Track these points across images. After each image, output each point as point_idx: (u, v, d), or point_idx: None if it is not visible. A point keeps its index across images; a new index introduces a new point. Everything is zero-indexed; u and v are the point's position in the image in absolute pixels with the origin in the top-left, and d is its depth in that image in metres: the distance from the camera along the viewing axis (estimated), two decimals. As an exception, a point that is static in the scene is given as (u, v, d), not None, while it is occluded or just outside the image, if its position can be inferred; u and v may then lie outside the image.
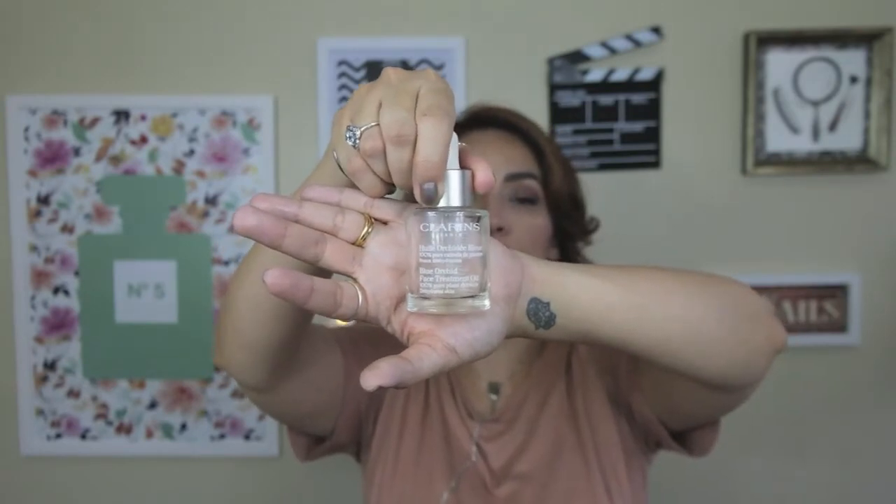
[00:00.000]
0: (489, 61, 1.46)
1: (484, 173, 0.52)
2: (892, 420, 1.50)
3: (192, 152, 1.45)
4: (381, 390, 0.48)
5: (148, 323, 1.47)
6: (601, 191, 1.34)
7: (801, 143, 1.45)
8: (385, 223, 0.55)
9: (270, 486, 1.50)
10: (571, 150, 1.46)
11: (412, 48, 1.44)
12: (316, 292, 0.49)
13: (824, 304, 1.46)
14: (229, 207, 1.46)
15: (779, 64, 1.44)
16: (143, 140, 1.45)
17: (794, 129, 1.45)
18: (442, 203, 0.50)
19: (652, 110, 1.46)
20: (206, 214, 1.46)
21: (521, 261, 0.57)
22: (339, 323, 1.23)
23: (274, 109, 1.45)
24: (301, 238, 0.51)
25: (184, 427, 1.49)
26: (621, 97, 1.45)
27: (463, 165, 0.53)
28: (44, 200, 1.46)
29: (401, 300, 0.54)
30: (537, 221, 0.94)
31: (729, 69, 1.46)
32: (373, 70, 1.45)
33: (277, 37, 1.45)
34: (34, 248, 1.46)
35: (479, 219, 0.51)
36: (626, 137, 1.46)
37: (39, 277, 1.47)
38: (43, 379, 1.48)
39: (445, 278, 0.50)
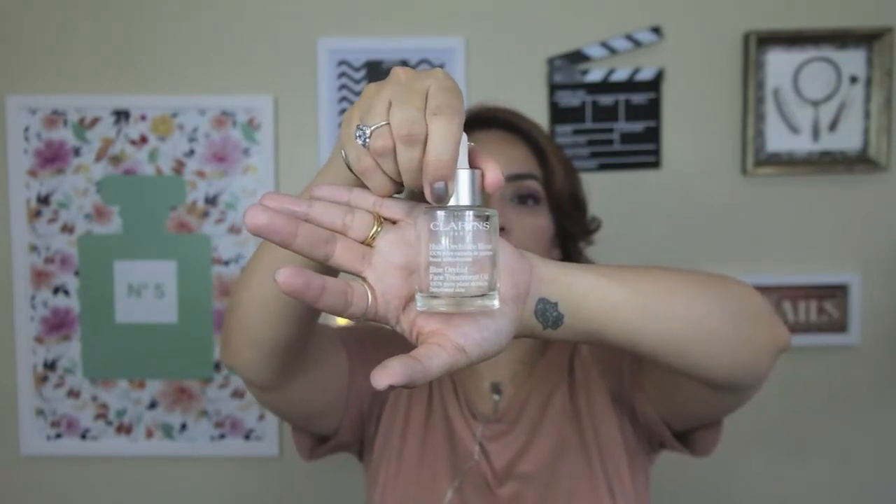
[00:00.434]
0: (489, 61, 1.46)
1: (493, 173, 0.52)
2: (892, 420, 1.50)
3: (192, 152, 1.45)
4: (391, 389, 0.48)
5: (148, 323, 1.46)
6: (601, 191, 1.33)
7: (801, 143, 1.46)
8: (394, 222, 0.55)
9: (270, 486, 1.50)
10: (571, 150, 1.46)
11: (412, 48, 1.44)
12: (327, 291, 0.49)
13: (824, 304, 1.47)
14: (229, 207, 1.46)
15: (779, 64, 1.44)
16: (143, 140, 1.45)
17: (794, 129, 1.46)
18: (451, 202, 0.50)
19: (652, 110, 1.46)
20: (206, 214, 1.46)
21: (529, 261, 0.57)
22: (341, 322, 1.23)
23: (274, 109, 1.45)
24: (312, 237, 0.51)
25: (184, 427, 1.48)
26: (621, 97, 1.46)
27: (472, 165, 0.53)
28: (44, 200, 1.45)
29: (410, 300, 0.54)
30: (539, 222, 0.94)
31: (729, 69, 1.46)
32: (373, 70, 1.45)
33: (277, 37, 1.45)
34: (34, 248, 1.46)
35: (488, 218, 0.51)
36: (626, 137, 1.46)
37: (39, 277, 1.46)
38: (43, 379, 1.47)
39: (455, 277, 0.49)
